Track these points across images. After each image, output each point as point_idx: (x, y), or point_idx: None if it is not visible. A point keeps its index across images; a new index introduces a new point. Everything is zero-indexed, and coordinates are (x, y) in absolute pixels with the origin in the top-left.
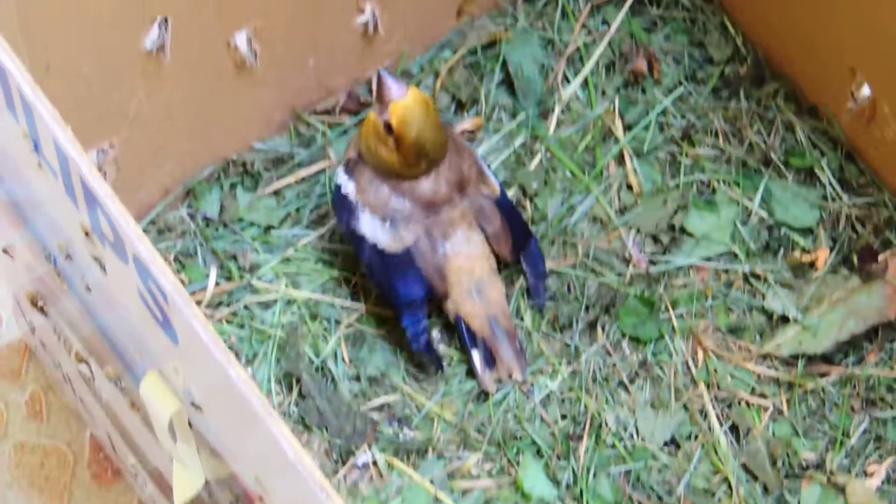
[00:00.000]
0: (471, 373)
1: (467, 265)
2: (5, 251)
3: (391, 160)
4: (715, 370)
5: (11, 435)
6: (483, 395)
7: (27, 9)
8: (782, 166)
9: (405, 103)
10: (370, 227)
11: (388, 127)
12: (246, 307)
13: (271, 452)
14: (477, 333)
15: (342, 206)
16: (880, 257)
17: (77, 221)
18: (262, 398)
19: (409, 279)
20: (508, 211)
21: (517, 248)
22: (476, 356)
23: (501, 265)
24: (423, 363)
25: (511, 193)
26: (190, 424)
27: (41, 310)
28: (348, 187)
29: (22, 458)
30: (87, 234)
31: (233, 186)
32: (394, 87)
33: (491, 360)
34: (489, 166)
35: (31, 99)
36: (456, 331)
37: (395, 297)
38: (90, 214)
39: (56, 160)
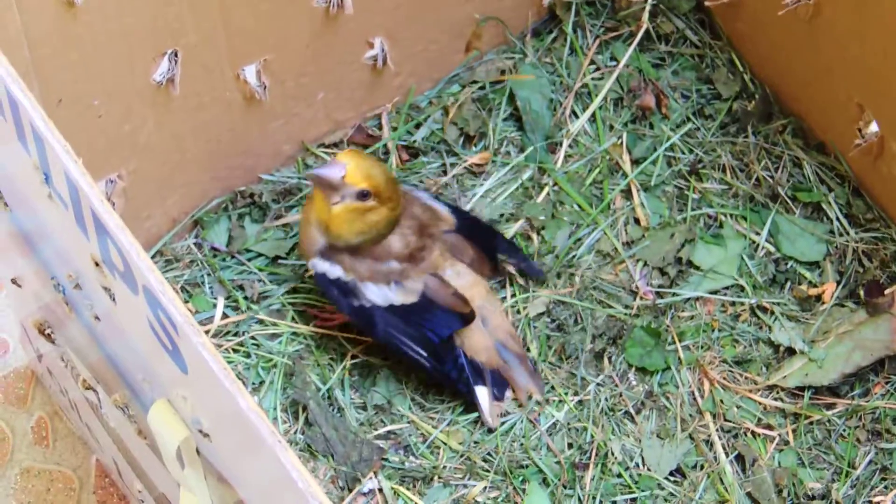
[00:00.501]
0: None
1: (472, 295)
2: (14, 281)
3: (384, 215)
4: (721, 401)
5: (17, 460)
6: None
7: (39, 43)
8: (789, 201)
9: (353, 168)
10: (379, 294)
11: (364, 194)
12: (252, 337)
13: (280, 480)
14: (485, 366)
15: (339, 289)
16: (887, 291)
17: (87, 252)
18: (272, 427)
19: (438, 319)
20: (471, 231)
21: (494, 260)
22: (481, 393)
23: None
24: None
25: (518, 226)
26: (198, 452)
27: (48, 337)
28: (336, 271)
29: (28, 484)
30: (97, 264)
31: (241, 217)
32: (334, 169)
33: (501, 391)
34: (434, 196)
35: (42, 132)
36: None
37: (431, 347)
38: (100, 245)
39: (67, 192)
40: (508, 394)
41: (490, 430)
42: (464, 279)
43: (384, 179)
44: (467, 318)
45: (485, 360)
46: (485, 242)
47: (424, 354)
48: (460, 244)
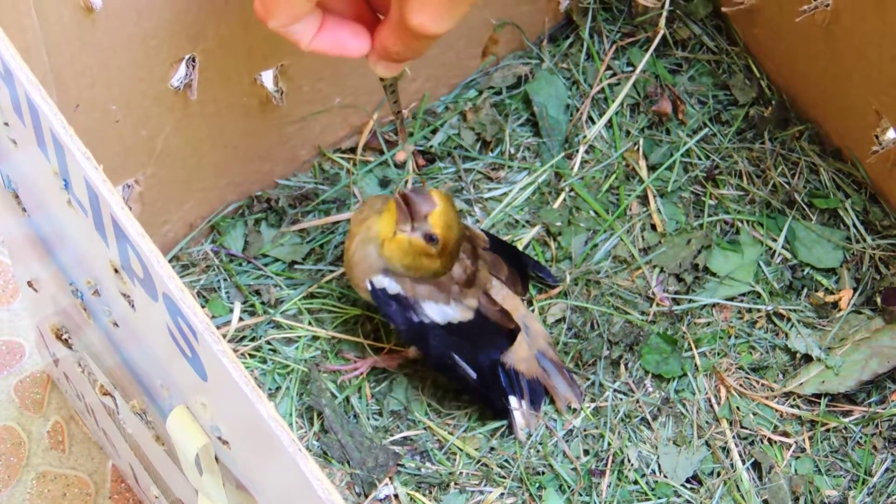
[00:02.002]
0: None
1: (513, 304)
2: (30, 284)
3: (433, 266)
4: (737, 408)
5: (33, 465)
6: (506, 430)
7: (57, 48)
8: (806, 207)
9: (441, 210)
10: (437, 312)
11: (433, 239)
12: (268, 342)
13: (300, 489)
14: (523, 376)
15: (399, 304)
16: None
17: (106, 258)
18: (292, 435)
19: (489, 338)
20: (504, 250)
21: (525, 279)
22: (514, 403)
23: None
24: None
25: (534, 232)
26: (217, 459)
27: (66, 342)
28: (395, 287)
29: (44, 489)
30: (116, 270)
31: (257, 222)
32: (426, 202)
33: (538, 401)
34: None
35: (63, 138)
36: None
37: (479, 369)
38: (120, 252)
39: (87, 198)
40: (543, 407)
41: (508, 429)
42: (504, 291)
43: (456, 239)
44: (513, 333)
45: (524, 369)
46: (514, 260)
47: (473, 376)
48: (497, 262)
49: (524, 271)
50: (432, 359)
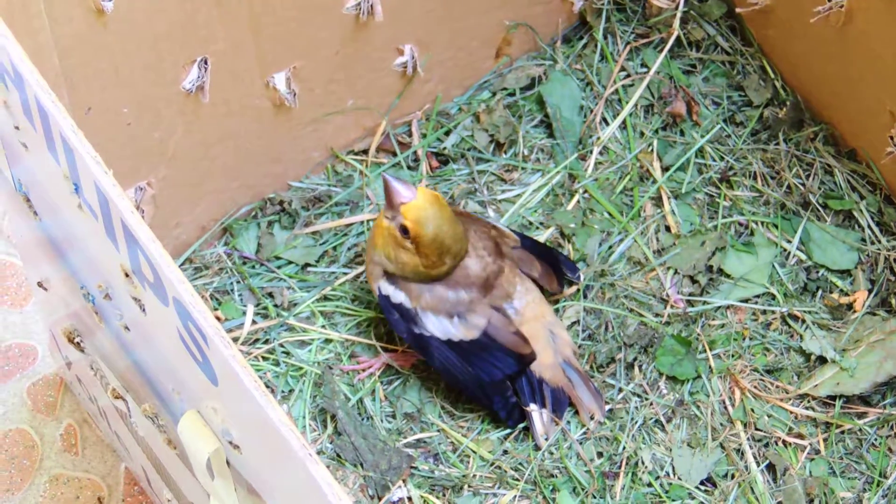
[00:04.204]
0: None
1: (539, 311)
2: (40, 284)
3: (414, 263)
4: (752, 410)
5: (47, 468)
6: (519, 433)
7: (68, 51)
8: (821, 209)
9: (416, 204)
10: (438, 327)
11: (404, 229)
12: (282, 345)
13: (311, 494)
14: (547, 385)
15: (400, 314)
16: None
17: (117, 262)
18: (303, 440)
19: (494, 359)
20: (535, 248)
21: (560, 274)
22: (534, 409)
23: None
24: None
25: (548, 233)
26: (228, 463)
27: (78, 346)
28: (399, 296)
29: (57, 491)
30: (127, 275)
31: (270, 224)
32: (402, 190)
33: (560, 410)
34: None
35: (73, 142)
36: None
37: (480, 384)
38: (131, 256)
39: (97, 202)
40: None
41: (522, 432)
42: (533, 294)
43: (432, 238)
44: (527, 358)
45: (549, 377)
46: (548, 257)
47: (474, 393)
48: (527, 258)
49: (558, 267)
50: (435, 369)
